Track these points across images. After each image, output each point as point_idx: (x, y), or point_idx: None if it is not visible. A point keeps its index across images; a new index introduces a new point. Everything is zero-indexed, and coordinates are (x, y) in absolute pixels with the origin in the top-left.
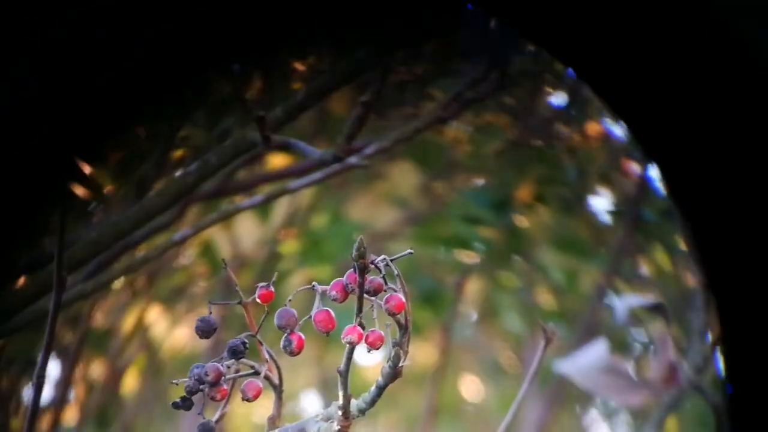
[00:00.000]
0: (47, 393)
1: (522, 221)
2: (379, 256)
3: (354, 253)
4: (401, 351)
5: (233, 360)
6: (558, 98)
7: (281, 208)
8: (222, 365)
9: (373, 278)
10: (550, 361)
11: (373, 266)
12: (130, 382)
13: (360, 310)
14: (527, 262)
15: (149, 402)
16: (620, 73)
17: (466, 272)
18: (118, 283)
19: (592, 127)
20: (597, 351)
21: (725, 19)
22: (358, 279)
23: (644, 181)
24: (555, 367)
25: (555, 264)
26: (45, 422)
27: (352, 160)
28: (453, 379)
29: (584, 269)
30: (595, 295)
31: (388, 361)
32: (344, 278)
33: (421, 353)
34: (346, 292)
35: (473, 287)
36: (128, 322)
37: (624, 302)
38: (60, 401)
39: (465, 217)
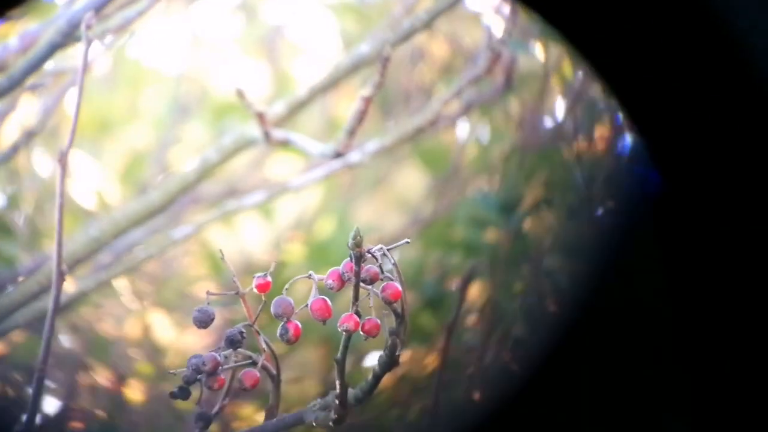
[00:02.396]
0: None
1: (529, 225)
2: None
3: (350, 242)
4: (398, 340)
5: (231, 350)
6: (565, 101)
7: (288, 212)
8: (219, 355)
9: (369, 267)
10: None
11: (369, 255)
12: (136, 390)
13: (356, 298)
14: (533, 266)
15: (156, 410)
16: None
17: (471, 276)
18: (121, 288)
19: (600, 132)
20: None
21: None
22: (354, 268)
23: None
24: None
25: (561, 269)
26: None
27: (355, 157)
28: (454, 384)
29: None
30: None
31: (384, 350)
32: (341, 267)
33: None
34: (342, 280)
35: (478, 292)
36: (133, 328)
37: None
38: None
39: (472, 221)
